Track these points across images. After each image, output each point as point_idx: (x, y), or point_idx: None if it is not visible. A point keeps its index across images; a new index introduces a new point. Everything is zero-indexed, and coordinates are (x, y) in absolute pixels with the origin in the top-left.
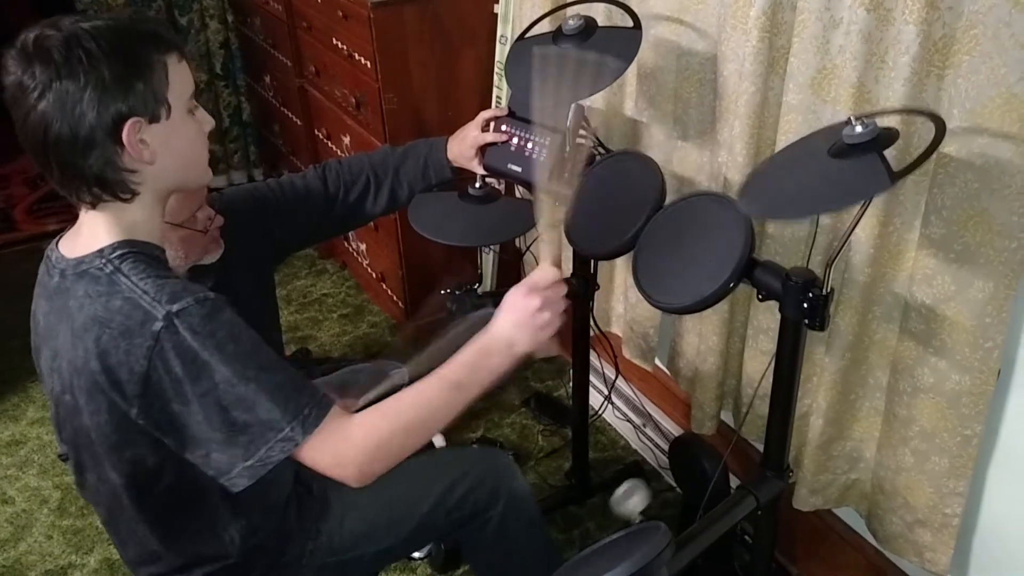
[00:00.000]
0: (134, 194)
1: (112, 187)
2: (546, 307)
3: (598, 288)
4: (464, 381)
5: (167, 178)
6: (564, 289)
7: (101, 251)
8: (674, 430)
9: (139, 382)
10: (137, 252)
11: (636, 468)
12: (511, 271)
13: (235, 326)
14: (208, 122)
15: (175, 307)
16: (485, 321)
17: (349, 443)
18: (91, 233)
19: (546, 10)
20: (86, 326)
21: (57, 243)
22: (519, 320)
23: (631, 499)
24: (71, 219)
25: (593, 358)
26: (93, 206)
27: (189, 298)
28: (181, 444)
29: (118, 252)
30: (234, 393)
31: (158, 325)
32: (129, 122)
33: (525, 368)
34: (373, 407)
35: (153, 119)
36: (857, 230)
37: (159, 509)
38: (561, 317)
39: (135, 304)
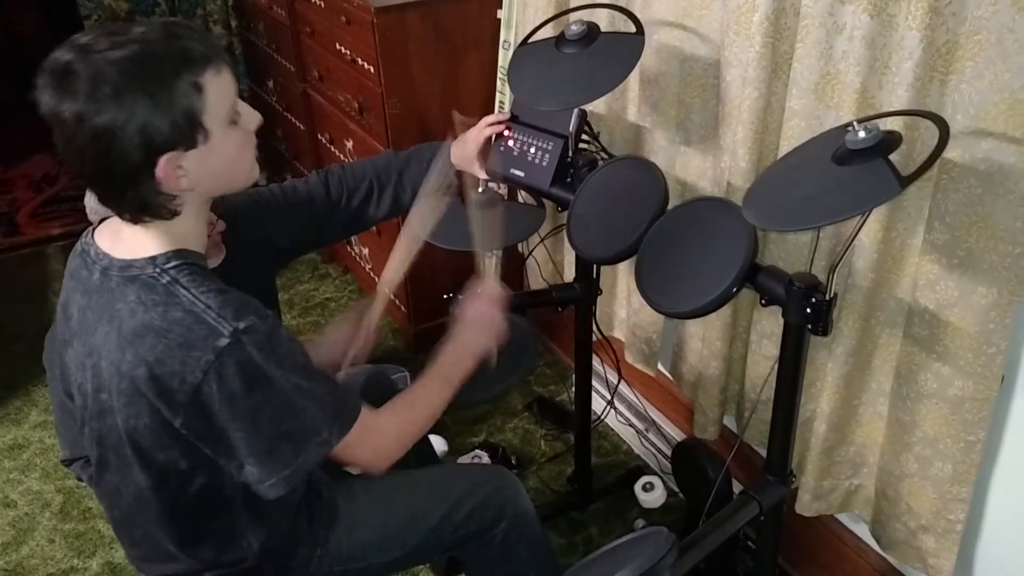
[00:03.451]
0: (176, 214)
1: (154, 211)
2: (500, 316)
3: (601, 293)
4: (452, 377)
5: (210, 191)
6: (506, 301)
7: (153, 259)
8: (677, 435)
9: (190, 392)
10: (192, 264)
11: (639, 473)
12: (513, 275)
13: (290, 340)
14: (253, 120)
15: (242, 324)
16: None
17: (384, 437)
18: (136, 240)
19: (549, 15)
20: (138, 332)
21: (92, 235)
22: (486, 327)
23: (654, 491)
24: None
25: (596, 363)
26: (135, 223)
27: (253, 316)
28: (219, 453)
29: (173, 263)
30: (286, 403)
31: (224, 341)
32: (164, 158)
33: (529, 372)
34: (389, 403)
35: (190, 147)
36: (860, 235)
37: (183, 513)
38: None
39: (198, 318)
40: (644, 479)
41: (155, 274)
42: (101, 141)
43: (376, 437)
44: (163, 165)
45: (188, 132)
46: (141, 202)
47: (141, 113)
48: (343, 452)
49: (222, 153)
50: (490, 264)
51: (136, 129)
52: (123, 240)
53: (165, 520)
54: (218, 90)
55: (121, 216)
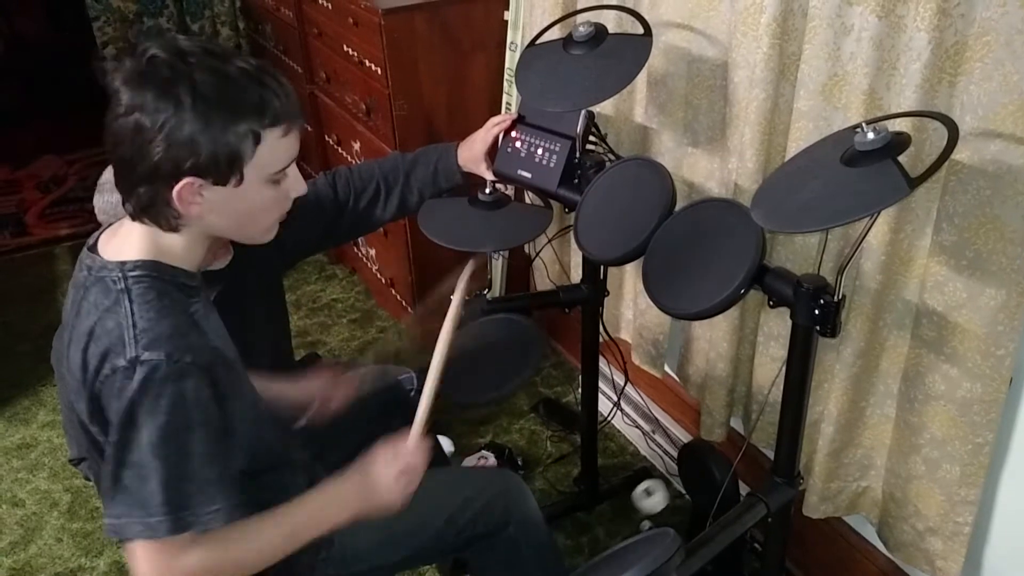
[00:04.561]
0: (175, 230)
1: (155, 217)
2: (415, 478)
3: (608, 294)
4: (306, 526)
5: (216, 230)
6: (426, 460)
7: (123, 264)
8: (683, 437)
9: (94, 400)
10: (155, 277)
11: (645, 475)
12: (520, 276)
13: (188, 404)
14: (297, 189)
15: (144, 355)
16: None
17: (180, 565)
18: (125, 239)
19: (556, 17)
20: (84, 334)
21: (100, 235)
22: (395, 488)
23: (652, 497)
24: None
25: (602, 364)
26: (134, 220)
27: (160, 353)
28: None
29: (137, 272)
30: (138, 458)
31: (120, 362)
32: (185, 180)
33: (535, 374)
34: (218, 532)
35: (218, 182)
36: (868, 236)
37: None
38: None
39: (120, 333)
40: (645, 484)
41: (115, 279)
42: (142, 134)
43: (177, 560)
44: (184, 185)
45: (224, 170)
46: (149, 203)
47: (189, 131)
48: (139, 555)
49: (248, 202)
50: (424, 414)
51: (177, 142)
52: (115, 240)
53: None
54: (275, 149)
55: (126, 207)
